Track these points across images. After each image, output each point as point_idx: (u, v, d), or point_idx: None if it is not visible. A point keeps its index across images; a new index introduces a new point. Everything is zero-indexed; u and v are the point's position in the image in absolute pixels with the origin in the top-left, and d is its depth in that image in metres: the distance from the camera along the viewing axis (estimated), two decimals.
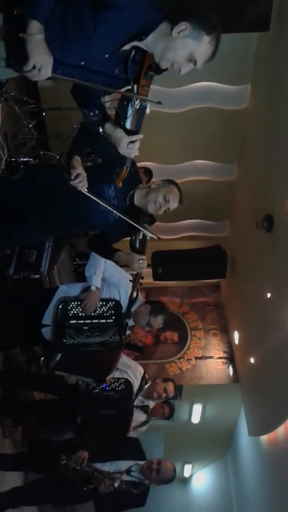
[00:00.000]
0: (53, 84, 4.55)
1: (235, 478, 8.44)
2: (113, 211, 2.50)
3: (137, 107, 1.90)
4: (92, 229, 3.00)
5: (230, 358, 6.76)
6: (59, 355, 3.06)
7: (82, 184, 2.35)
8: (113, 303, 3.14)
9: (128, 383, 3.54)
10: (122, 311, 3.13)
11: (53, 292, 3.24)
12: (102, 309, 3.11)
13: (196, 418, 7.45)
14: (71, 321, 3.06)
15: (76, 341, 3.05)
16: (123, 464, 3.41)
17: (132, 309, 3.19)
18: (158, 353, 6.70)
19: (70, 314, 3.08)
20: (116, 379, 3.46)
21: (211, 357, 6.81)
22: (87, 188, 2.38)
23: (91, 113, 2.07)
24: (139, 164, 3.17)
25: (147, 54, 1.85)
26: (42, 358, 4.52)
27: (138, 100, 1.88)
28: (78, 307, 3.09)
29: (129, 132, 1.98)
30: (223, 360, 6.78)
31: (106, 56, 1.84)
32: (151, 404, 3.82)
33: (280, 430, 4.88)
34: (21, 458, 3.95)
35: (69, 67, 1.80)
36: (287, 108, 4.03)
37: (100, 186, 2.52)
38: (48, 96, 4.74)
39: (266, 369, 5.22)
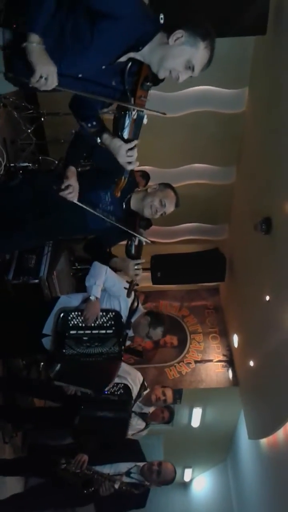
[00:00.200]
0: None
1: (235, 482, 8.41)
2: (108, 220, 2.51)
3: (135, 117, 1.94)
4: (89, 233, 3.01)
5: (230, 362, 6.74)
6: (59, 365, 3.06)
7: (72, 196, 2.36)
8: (113, 313, 3.13)
9: (127, 388, 3.54)
10: (122, 321, 3.13)
11: (53, 302, 3.24)
12: (102, 320, 3.10)
13: (196, 422, 7.44)
14: (71, 332, 3.06)
15: (76, 352, 3.04)
16: (123, 466, 3.41)
17: (132, 320, 3.20)
18: (157, 357, 6.68)
19: (71, 325, 3.07)
20: (115, 384, 3.46)
21: (211, 361, 6.80)
22: (78, 199, 2.39)
23: (89, 125, 2.10)
24: (136, 168, 3.18)
25: (144, 65, 1.89)
26: (42, 364, 4.52)
27: (135, 111, 1.91)
28: (79, 317, 3.08)
29: (127, 142, 2.01)
30: (222, 363, 6.77)
31: (103, 67, 1.87)
32: (151, 410, 3.82)
33: (280, 433, 4.87)
34: (21, 463, 3.94)
35: (69, 79, 1.83)
36: (284, 111, 4.05)
37: (96, 192, 2.54)
38: (46, 102, 4.75)
39: (266, 372, 5.22)
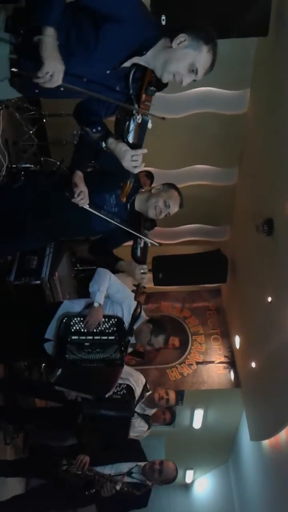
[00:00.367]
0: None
1: (237, 483, 8.39)
2: (114, 222, 2.51)
3: (139, 121, 1.96)
4: (92, 234, 3.01)
5: (231, 363, 6.73)
6: (60, 370, 3.06)
7: (83, 202, 2.38)
8: (116, 320, 3.12)
9: (129, 388, 3.55)
10: (124, 328, 3.13)
11: (56, 306, 3.23)
12: (104, 326, 3.09)
13: (197, 423, 7.42)
14: (73, 337, 3.05)
15: (77, 357, 3.04)
16: (124, 466, 3.41)
17: (135, 327, 3.20)
18: (159, 358, 6.68)
19: (73, 330, 3.07)
20: (118, 384, 3.46)
21: (212, 362, 6.79)
22: (88, 204, 2.41)
23: (94, 130, 2.11)
24: None
25: (147, 70, 1.91)
26: (44, 365, 4.52)
27: (140, 115, 1.93)
28: (81, 323, 3.07)
29: (132, 146, 2.02)
30: (224, 364, 6.76)
31: (108, 72, 1.89)
32: (153, 412, 3.82)
33: (282, 435, 4.86)
34: (22, 464, 3.94)
35: (74, 79, 1.84)
36: (286, 112, 4.05)
37: (101, 195, 2.54)
38: (48, 103, 4.75)
39: (268, 373, 5.21)
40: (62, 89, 1.76)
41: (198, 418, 7.35)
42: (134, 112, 1.93)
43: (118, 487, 3.20)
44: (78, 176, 2.39)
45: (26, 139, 4.73)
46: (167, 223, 5.93)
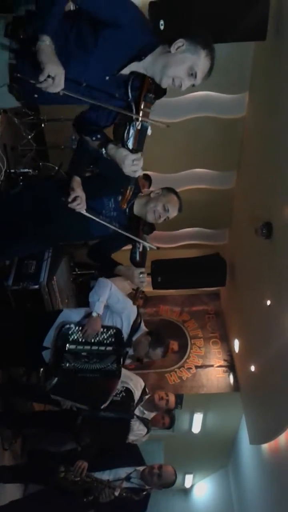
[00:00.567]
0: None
1: (236, 487, 8.36)
2: (112, 227, 2.51)
3: (139, 127, 1.98)
4: (91, 239, 3.00)
5: (231, 367, 6.72)
6: (56, 379, 3.03)
7: (80, 207, 2.37)
8: (114, 330, 3.11)
9: (129, 391, 3.54)
10: (123, 339, 3.12)
11: (55, 315, 3.22)
12: (102, 336, 3.08)
13: (196, 427, 7.40)
14: (70, 346, 3.04)
15: (74, 366, 3.02)
16: (122, 471, 3.39)
17: (134, 338, 3.18)
18: (158, 362, 6.66)
19: (70, 339, 3.05)
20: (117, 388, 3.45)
21: (211, 366, 6.78)
22: (85, 209, 2.41)
23: (93, 138, 2.14)
24: None
25: (146, 78, 1.93)
26: (42, 370, 4.50)
27: (139, 121, 1.94)
28: (79, 332, 3.05)
29: (132, 151, 2.04)
30: (223, 368, 6.75)
31: (107, 78, 1.91)
32: (152, 415, 3.81)
33: (282, 438, 4.85)
34: (20, 469, 3.92)
35: (73, 84, 1.86)
36: (284, 116, 4.05)
37: (100, 199, 2.54)
38: (46, 108, 4.76)
39: (267, 377, 5.20)
40: (61, 93, 1.77)
41: (197, 422, 7.33)
42: (133, 118, 1.94)
43: (117, 493, 3.18)
44: (76, 181, 2.39)
45: (24, 144, 4.73)
46: (166, 227, 5.93)
